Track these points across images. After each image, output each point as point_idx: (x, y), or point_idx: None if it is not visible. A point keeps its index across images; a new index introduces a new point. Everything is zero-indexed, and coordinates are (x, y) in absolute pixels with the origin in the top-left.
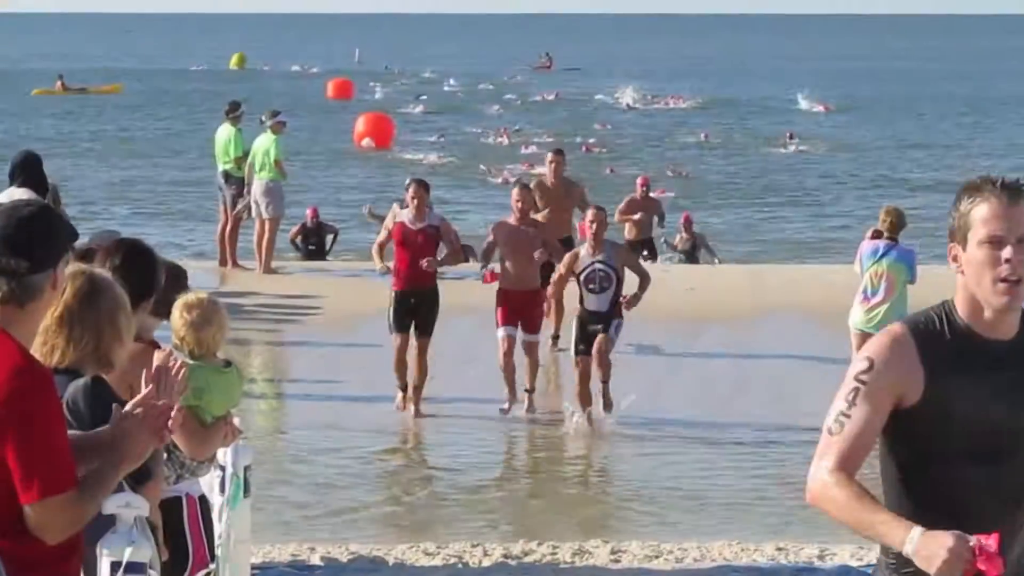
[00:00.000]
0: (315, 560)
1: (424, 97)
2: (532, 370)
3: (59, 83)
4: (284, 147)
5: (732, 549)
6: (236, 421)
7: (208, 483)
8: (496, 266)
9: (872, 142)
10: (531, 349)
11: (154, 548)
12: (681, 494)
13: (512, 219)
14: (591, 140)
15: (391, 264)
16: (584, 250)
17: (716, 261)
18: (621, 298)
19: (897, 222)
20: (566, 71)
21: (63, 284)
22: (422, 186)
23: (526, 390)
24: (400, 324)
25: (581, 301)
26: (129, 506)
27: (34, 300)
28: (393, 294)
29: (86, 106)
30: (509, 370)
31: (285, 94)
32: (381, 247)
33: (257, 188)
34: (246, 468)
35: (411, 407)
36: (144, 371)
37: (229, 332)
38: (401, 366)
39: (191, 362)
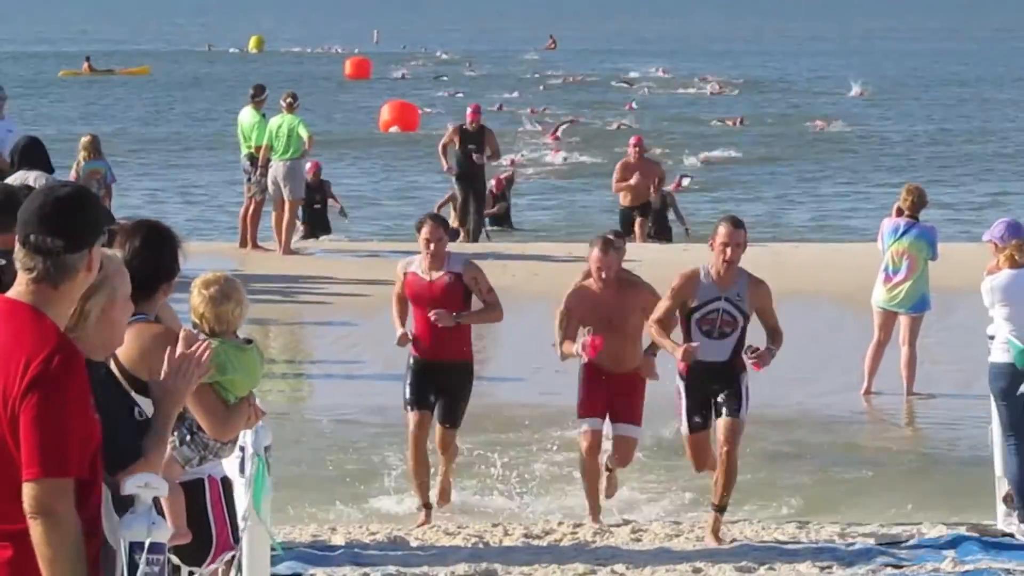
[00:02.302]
0: (336, 540)
1: (445, 78)
2: (620, 464)
3: (86, 65)
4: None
5: (753, 527)
6: (258, 403)
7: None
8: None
9: (911, 125)
10: (625, 447)
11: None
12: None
13: (593, 284)
14: (623, 120)
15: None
16: (705, 275)
17: (685, 228)
18: (747, 350)
19: (918, 200)
20: (572, 51)
21: (97, 266)
22: (440, 224)
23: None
24: (419, 398)
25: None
26: (148, 486)
27: (68, 280)
28: (410, 361)
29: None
30: (593, 476)
31: (304, 75)
32: (401, 302)
33: (280, 169)
34: (266, 449)
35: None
36: (168, 352)
37: (248, 309)
38: (420, 464)
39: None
